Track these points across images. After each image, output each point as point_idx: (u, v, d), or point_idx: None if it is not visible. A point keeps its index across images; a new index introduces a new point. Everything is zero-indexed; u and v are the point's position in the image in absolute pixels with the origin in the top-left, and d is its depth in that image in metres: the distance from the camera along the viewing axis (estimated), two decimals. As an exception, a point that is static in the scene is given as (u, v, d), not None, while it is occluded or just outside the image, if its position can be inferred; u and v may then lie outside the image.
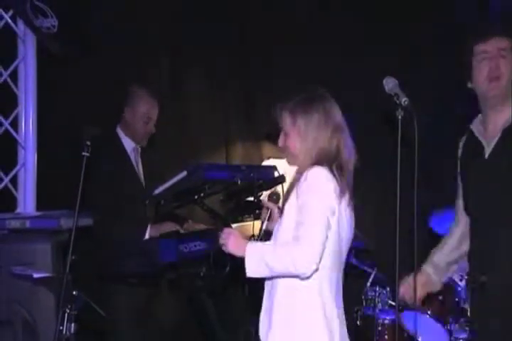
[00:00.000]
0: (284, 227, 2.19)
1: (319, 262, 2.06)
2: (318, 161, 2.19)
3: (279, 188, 3.31)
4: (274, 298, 2.19)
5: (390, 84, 2.17)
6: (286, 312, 2.15)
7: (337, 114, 2.27)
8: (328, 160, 2.19)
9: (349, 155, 2.24)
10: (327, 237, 2.10)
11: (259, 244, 2.19)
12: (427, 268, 2.63)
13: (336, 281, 2.21)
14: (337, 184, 2.15)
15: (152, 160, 3.73)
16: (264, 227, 2.36)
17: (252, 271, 2.11)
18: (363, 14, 4.64)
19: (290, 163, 2.31)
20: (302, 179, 2.16)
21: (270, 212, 2.38)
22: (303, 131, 2.23)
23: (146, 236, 3.31)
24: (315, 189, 2.13)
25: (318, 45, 4.64)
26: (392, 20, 4.61)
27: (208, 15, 4.64)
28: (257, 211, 2.73)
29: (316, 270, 2.08)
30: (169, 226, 3.33)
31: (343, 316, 2.25)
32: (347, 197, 2.18)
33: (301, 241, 2.06)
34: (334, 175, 2.16)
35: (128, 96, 3.51)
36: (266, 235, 2.34)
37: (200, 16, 4.61)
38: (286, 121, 2.27)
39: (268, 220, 2.37)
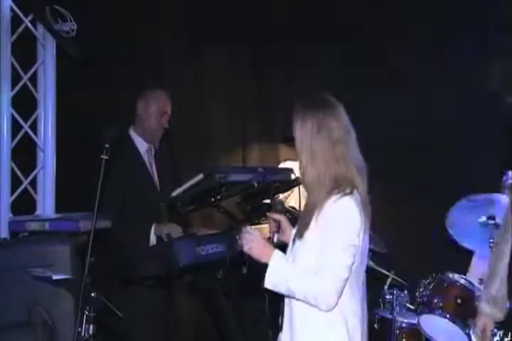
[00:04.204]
0: (308, 252, 2.13)
1: (340, 296, 2.06)
2: (335, 186, 2.10)
3: (282, 196, 3.30)
4: (294, 311, 2.16)
5: None
6: (309, 328, 2.13)
7: (334, 123, 2.12)
8: (344, 183, 2.10)
9: (359, 173, 2.13)
10: (351, 271, 2.08)
11: (284, 260, 2.14)
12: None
13: (359, 289, 2.19)
14: (362, 213, 2.09)
15: (168, 162, 3.74)
16: (275, 240, 2.31)
17: (271, 284, 2.11)
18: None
19: (300, 170, 2.20)
20: (327, 209, 2.09)
21: (279, 224, 2.34)
22: (299, 144, 2.15)
23: (151, 235, 3.33)
24: (342, 225, 2.07)
25: (338, 46, 4.62)
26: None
27: (228, 16, 4.65)
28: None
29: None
30: (173, 228, 3.34)
31: (365, 317, 2.24)
32: (368, 221, 2.15)
33: (325, 278, 2.04)
34: (357, 203, 2.09)
35: (140, 93, 3.57)
36: (278, 246, 2.30)
37: (219, 16, 4.61)
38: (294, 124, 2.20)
39: (278, 232, 2.33)
